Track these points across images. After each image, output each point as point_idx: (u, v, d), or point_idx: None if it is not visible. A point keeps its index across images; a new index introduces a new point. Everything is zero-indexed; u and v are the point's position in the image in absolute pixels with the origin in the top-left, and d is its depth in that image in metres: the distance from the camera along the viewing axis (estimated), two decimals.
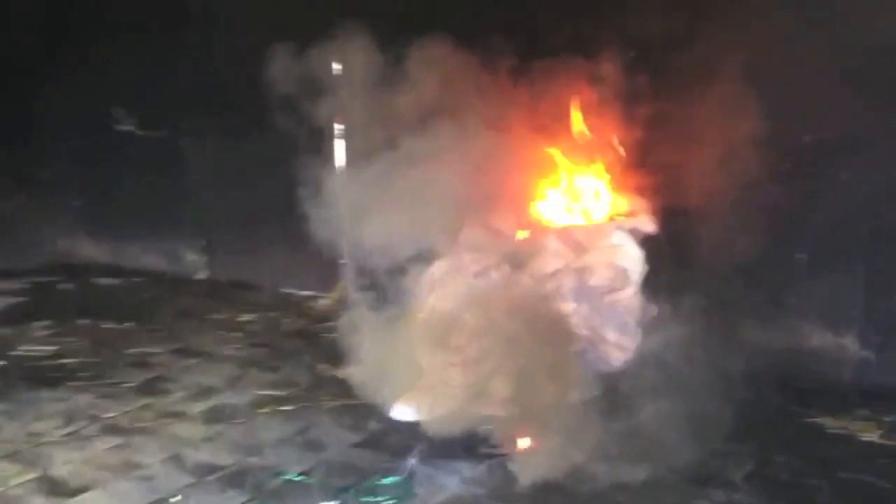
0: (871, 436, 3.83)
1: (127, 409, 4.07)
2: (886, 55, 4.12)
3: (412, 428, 3.87)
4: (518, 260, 3.98)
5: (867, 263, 4.29)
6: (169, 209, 6.21)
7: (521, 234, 4.05)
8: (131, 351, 4.80)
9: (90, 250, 6.54)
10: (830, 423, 3.93)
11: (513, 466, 3.46)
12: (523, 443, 3.49)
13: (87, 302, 5.66)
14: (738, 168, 4.24)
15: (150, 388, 4.31)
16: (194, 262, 6.28)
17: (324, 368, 4.56)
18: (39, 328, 5.14)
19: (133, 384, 4.36)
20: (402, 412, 3.98)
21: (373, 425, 3.90)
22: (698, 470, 3.51)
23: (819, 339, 4.39)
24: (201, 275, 6.23)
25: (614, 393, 3.93)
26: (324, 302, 5.67)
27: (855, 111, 4.20)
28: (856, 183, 4.25)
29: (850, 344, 4.34)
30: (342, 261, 5.74)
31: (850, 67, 4.17)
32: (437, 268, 4.15)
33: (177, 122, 6.12)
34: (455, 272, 4.03)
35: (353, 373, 4.08)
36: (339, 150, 5.55)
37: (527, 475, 3.41)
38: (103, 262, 6.39)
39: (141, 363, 4.64)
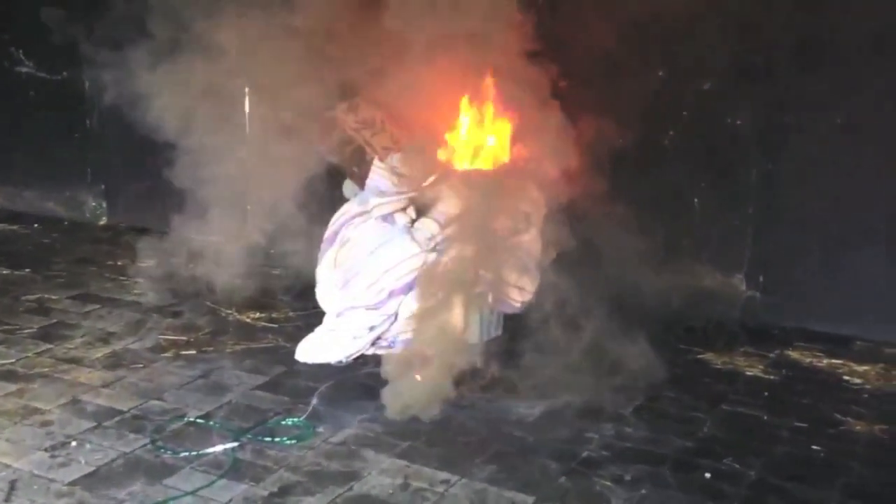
0: (755, 371, 4.01)
1: (25, 355, 4.03)
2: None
3: (314, 370, 3.92)
4: (423, 204, 4.02)
5: (756, 207, 4.43)
6: (68, 154, 6.09)
7: (427, 179, 4.08)
8: (29, 297, 4.74)
9: None
10: (716, 359, 4.10)
11: (386, 400, 3.53)
12: (414, 380, 3.55)
13: None
14: (634, 115, 4.36)
15: (48, 335, 4.27)
16: (93, 208, 6.18)
17: (227, 313, 4.56)
18: None
19: (31, 330, 4.31)
20: (304, 354, 4.03)
21: (275, 368, 3.93)
22: (590, 404, 3.63)
23: (710, 279, 4.55)
24: (101, 220, 6.14)
25: (513, 333, 4.05)
26: (229, 247, 5.63)
27: (748, 57, 4.32)
28: (746, 128, 4.39)
29: (738, 284, 4.51)
30: (247, 206, 5.72)
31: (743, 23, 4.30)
32: (344, 212, 4.18)
33: (76, 64, 5.98)
34: (361, 216, 4.07)
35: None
36: (245, 94, 5.52)
37: (397, 407, 3.50)
38: (0, 208, 6.25)
39: (39, 309, 4.58)
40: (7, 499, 2.93)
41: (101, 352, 4.09)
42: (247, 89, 5.51)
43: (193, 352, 4.11)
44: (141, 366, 3.96)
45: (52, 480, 3.04)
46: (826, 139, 4.25)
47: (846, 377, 3.95)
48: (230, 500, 2.95)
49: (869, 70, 4.14)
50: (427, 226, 3.96)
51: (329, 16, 4.24)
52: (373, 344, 4.02)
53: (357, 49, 4.25)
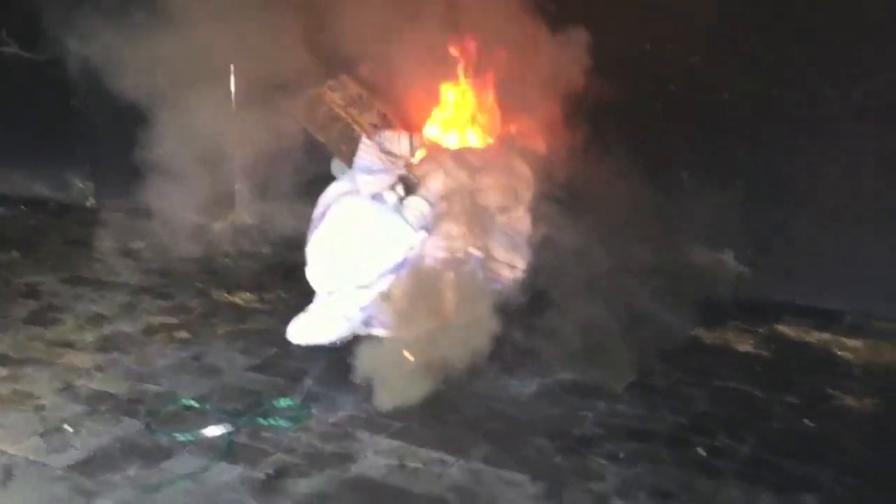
0: (746, 346, 4.02)
1: (16, 339, 4.01)
2: None
3: (307, 351, 3.92)
4: (412, 182, 4.02)
5: (746, 184, 4.44)
6: (53, 135, 6.04)
7: (416, 157, 4.07)
8: (18, 280, 4.71)
9: None
10: (707, 335, 4.12)
11: (380, 384, 3.50)
12: (408, 360, 3.55)
13: None
14: (623, 90, 4.35)
15: (39, 318, 4.25)
16: (81, 189, 6.14)
17: (218, 294, 4.55)
18: None
19: (21, 314, 4.29)
20: (296, 335, 4.03)
21: (267, 350, 3.92)
22: (583, 383, 3.65)
23: (699, 255, 4.56)
24: (88, 202, 6.11)
25: (505, 310, 4.05)
26: (218, 227, 5.62)
27: (741, 34, 4.32)
28: (734, 103, 4.38)
29: (728, 260, 4.52)
30: (236, 186, 5.70)
31: None
32: (332, 190, 4.16)
33: (61, 43, 5.92)
34: (350, 194, 4.06)
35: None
36: (231, 74, 5.49)
37: (390, 398, 3.46)
38: None
39: (29, 293, 4.56)
40: (3, 485, 2.93)
41: (92, 335, 4.08)
42: (232, 66, 5.49)
43: (185, 334, 4.11)
44: (133, 349, 3.95)
45: (47, 466, 3.03)
46: (816, 114, 4.25)
47: (837, 352, 3.97)
48: (227, 483, 2.95)
49: (859, 43, 4.14)
50: (417, 204, 3.95)
51: None
52: (365, 324, 4.01)
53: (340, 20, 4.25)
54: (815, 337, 4.10)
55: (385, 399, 3.42)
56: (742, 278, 4.50)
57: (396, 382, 3.48)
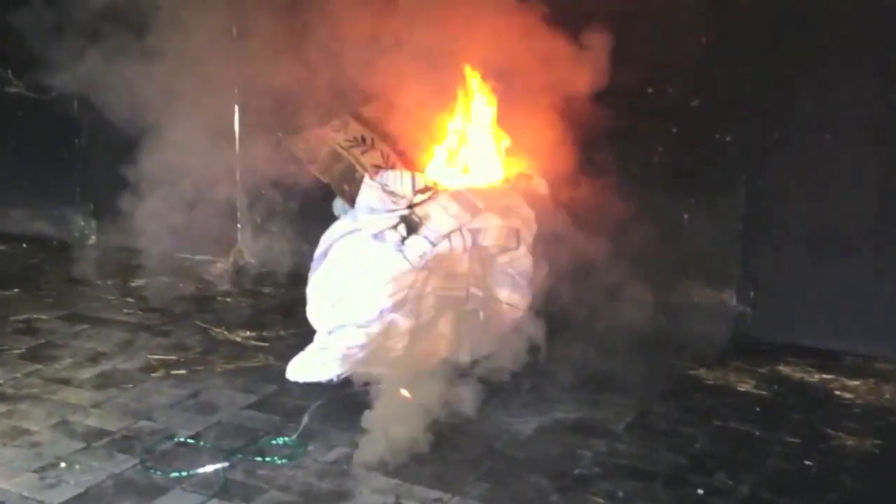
0: (746, 386, 4.00)
1: (13, 375, 4.00)
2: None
3: (305, 389, 3.91)
4: (414, 222, 4.02)
5: (745, 223, 4.45)
6: (56, 173, 6.07)
7: (417, 197, 4.09)
8: (17, 317, 4.71)
9: None
10: (708, 375, 4.10)
11: (372, 422, 3.44)
12: (404, 398, 3.53)
13: None
14: (624, 132, 4.38)
15: (37, 355, 4.24)
16: (82, 227, 6.16)
17: (217, 332, 4.54)
18: None
19: (20, 350, 4.28)
20: (295, 373, 4.01)
21: (266, 387, 3.91)
22: (582, 421, 3.63)
23: (699, 295, 4.56)
24: (90, 240, 6.13)
25: (505, 350, 4.04)
26: (219, 266, 5.64)
27: (739, 77, 4.35)
28: (735, 144, 4.40)
29: (728, 299, 4.51)
30: (238, 225, 5.72)
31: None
32: (334, 230, 4.17)
33: (65, 83, 5.97)
34: (352, 234, 4.07)
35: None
36: (235, 114, 5.53)
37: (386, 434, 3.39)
38: None
39: (27, 329, 4.56)
40: None
41: (90, 372, 4.07)
42: (236, 106, 5.53)
43: (183, 371, 4.09)
44: (130, 386, 3.93)
45: (41, 502, 3.01)
46: (815, 152, 4.26)
47: (837, 392, 3.95)
48: None
49: (855, 85, 4.16)
50: (418, 244, 3.95)
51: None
52: (364, 363, 4.00)
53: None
54: (816, 377, 4.08)
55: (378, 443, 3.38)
56: (743, 318, 4.49)
57: (395, 422, 3.45)
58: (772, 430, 3.58)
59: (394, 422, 3.37)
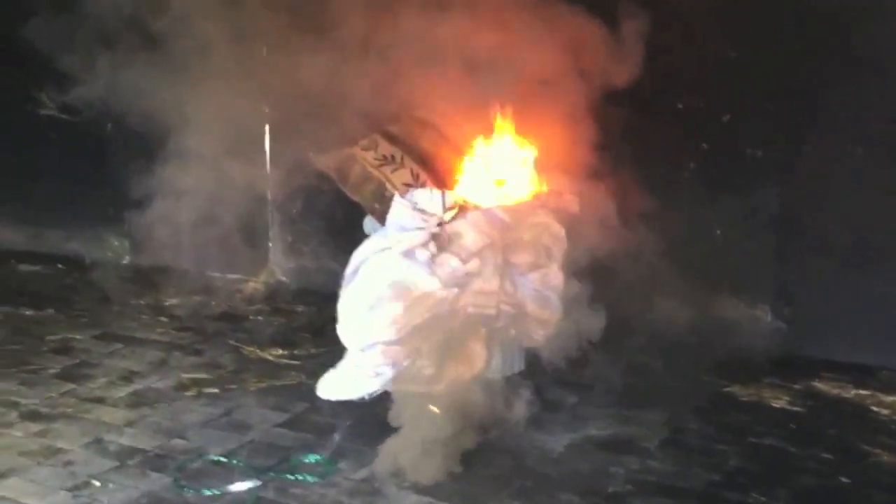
0: (781, 402, 3.96)
1: (48, 395, 4.05)
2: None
3: (336, 407, 3.91)
4: (444, 239, 4.02)
5: (778, 238, 4.41)
6: (90, 194, 6.14)
7: (447, 214, 4.08)
8: (52, 337, 4.77)
9: (10, 236, 6.43)
10: (742, 391, 4.06)
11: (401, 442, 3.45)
12: (437, 415, 3.52)
13: (6, 289, 5.58)
14: (657, 148, 4.36)
15: (71, 374, 4.29)
16: (116, 247, 6.22)
17: (249, 351, 4.57)
18: None
19: (55, 370, 4.33)
20: (326, 391, 4.02)
21: (297, 405, 3.92)
22: (615, 438, 3.60)
23: (733, 311, 4.52)
24: (124, 260, 6.18)
25: (537, 366, 4.02)
26: (251, 285, 5.67)
27: (769, 91, 4.33)
28: (766, 159, 4.37)
29: (763, 315, 4.47)
30: (269, 244, 5.76)
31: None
32: (365, 248, 4.18)
33: (98, 105, 6.04)
34: (382, 252, 4.07)
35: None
36: (266, 132, 5.58)
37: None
38: (23, 249, 6.29)
39: (62, 349, 4.61)
40: None
41: (123, 391, 4.11)
42: (267, 126, 5.57)
43: (216, 390, 4.12)
44: (163, 404, 3.96)
45: None
46: (847, 165, 4.23)
47: (873, 408, 3.90)
48: None
49: (886, 96, 4.13)
50: (449, 261, 3.94)
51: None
52: (395, 380, 3.99)
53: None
54: (851, 393, 4.03)
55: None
56: (778, 334, 4.45)
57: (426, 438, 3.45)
58: (806, 447, 3.54)
59: (425, 438, 3.36)
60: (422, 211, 4.00)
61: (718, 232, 4.52)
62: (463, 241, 3.97)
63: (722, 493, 3.21)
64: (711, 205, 4.51)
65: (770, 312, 4.48)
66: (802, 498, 3.17)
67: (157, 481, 3.29)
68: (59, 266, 6.06)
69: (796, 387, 4.09)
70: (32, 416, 3.83)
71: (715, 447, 3.56)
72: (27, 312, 5.15)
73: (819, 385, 4.11)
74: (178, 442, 3.60)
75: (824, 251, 4.34)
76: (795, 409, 3.91)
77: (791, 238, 4.41)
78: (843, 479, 3.30)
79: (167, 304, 5.32)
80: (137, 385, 4.17)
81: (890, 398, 3.96)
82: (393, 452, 3.38)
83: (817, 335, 4.41)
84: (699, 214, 4.51)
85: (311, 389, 3.99)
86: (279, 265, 5.79)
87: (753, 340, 4.46)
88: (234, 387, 4.15)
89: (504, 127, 4.44)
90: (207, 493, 3.20)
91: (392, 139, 4.45)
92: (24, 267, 6.06)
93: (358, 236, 4.29)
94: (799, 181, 4.35)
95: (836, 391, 4.06)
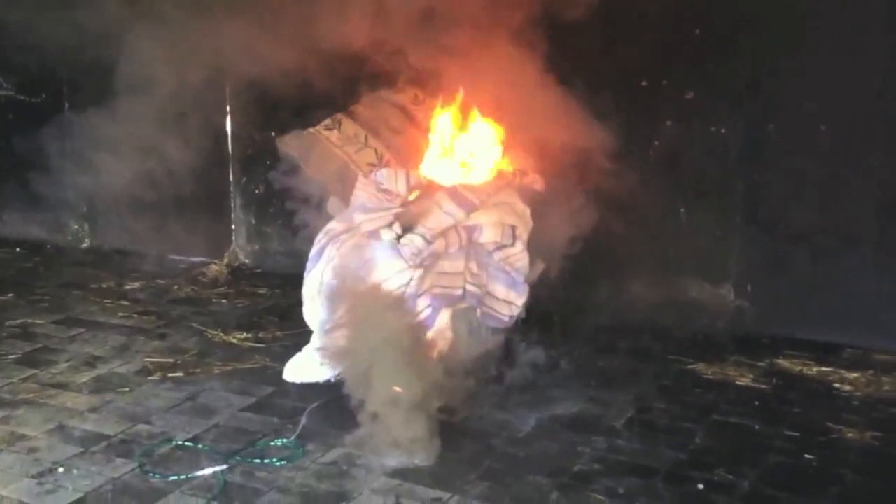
0: (745, 380, 3.99)
1: (10, 381, 3.98)
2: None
3: (302, 389, 3.89)
4: (409, 220, 4.00)
5: (743, 217, 4.44)
6: (49, 177, 6.04)
7: (412, 195, 4.06)
8: (12, 322, 4.69)
9: None
10: (707, 370, 4.09)
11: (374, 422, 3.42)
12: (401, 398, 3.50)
13: None
14: (620, 126, 4.36)
15: (33, 360, 4.22)
16: (76, 231, 6.14)
17: (213, 334, 4.53)
18: None
19: (15, 356, 4.27)
20: (292, 374, 4.00)
21: (263, 389, 3.89)
22: (581, 418, 3.62)
23: (697, 290, 4.55)
24: (84, 244, 6.11)
25: (502, 347, 4.03)
26: (214, 268, 5.62)
27: (733, 68, 4.35)
28: (731, 137, 4.39)
29: (727, 294, 4.50)
30: (233, 226, 5.71)
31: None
32: (329, 230, 4.15)
33: (56, 86, 5.95)
34: (347, 233, 4.04)
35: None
36: (227, 114, 5.53)
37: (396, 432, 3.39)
38: None
39: (23, 334, 4.54)
40: None
41: (86, 376, 4.05)
42: (228, 106, 5.52)
43: (180, 374, 4.07)
44: (127, 389, 3.92)
45: None
46: (811, 147, 4.26)
47: (836, 385, 3.94)
48: None
49: (853, 77, 4.15)
50: (413, 241, 3.93)
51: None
52: None
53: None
54: (815, 370, 4.07)
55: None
56: (741, 312, 4.48)
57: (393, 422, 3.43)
58: (771, 425, 3.57)
59: (392, 420, 3.35)
60: (386, 191, 3.98)
61: (682, 210, 4.53)
62: (428, 222, 3.96)
63: (688, 471, 3.22)
64: (675, 183, 4.52)
65: (733, 291, 4.51)
66: (768, 475, 3.20)
67: (123, 467, 3.25)
68: (18, 250, 5.97)
69: (760, 365, 4.12)
70: None
71: (681, 426, 3.57)
72: None
73: (783, 363, 4.15)
74: (142, 427, 3.56)
75: (787, 232, 4.38)
76: (760, 386, 3.94)
77: (754, 217, 4.43)
78: (808, 457, 3.33)
79: (129, 287, 5.26)
80: (100, 370, 4.11)
81: (852, 375, 4.00)
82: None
83: (780, 314, 4.44)
84: (662, 193, 4.52)
85: (277, 373, 4.01)
86: (242, 248, 5.74)
87: (717, 319, 4.51)
88: (198, 371, 4.11)
89: (468, 106, 4.43)
90: (174, 478, 3.16)
91: (356, 118, 4.43)
92: None
93: (322, 218, 4.27)
94: (764, 160, 4.37)
95: (799, 369, 4.09)
